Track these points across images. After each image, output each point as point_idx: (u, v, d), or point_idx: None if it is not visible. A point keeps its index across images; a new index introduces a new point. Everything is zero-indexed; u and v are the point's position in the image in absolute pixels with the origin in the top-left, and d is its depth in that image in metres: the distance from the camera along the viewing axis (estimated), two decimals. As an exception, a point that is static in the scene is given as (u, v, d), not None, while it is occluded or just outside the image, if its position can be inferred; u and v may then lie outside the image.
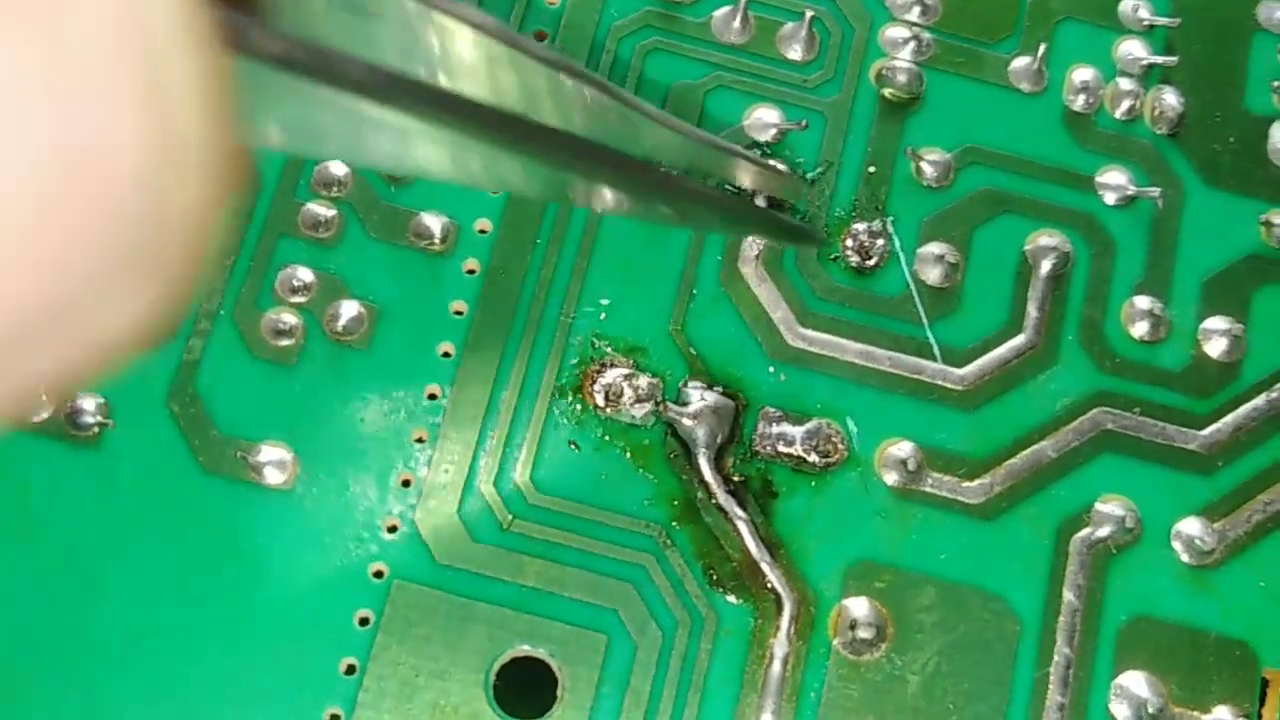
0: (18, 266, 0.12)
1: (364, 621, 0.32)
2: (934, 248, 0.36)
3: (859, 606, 0.33)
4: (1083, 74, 0.38)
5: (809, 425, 0.34)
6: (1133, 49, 0.38)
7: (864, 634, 0.32)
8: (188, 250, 0.13)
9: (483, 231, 0.35)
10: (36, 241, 0.12)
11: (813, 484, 0.34)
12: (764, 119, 0.36)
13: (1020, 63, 0.37)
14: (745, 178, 0.32)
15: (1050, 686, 0.32)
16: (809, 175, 0.36)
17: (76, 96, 0.12)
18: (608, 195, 0.25)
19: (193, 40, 0.13)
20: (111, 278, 0.13)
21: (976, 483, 0.34)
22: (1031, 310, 0.35)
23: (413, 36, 0.21)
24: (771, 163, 0.34)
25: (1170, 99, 0.37)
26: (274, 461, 0.33)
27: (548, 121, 0.23)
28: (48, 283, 0.13)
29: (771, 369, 0.34)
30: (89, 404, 0.33)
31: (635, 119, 0.26)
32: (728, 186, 0.33)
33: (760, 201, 0.35)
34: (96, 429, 0.33)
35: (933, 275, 0.35)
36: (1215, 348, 0.35)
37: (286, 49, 0.16)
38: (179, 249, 0.13)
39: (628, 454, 0.33)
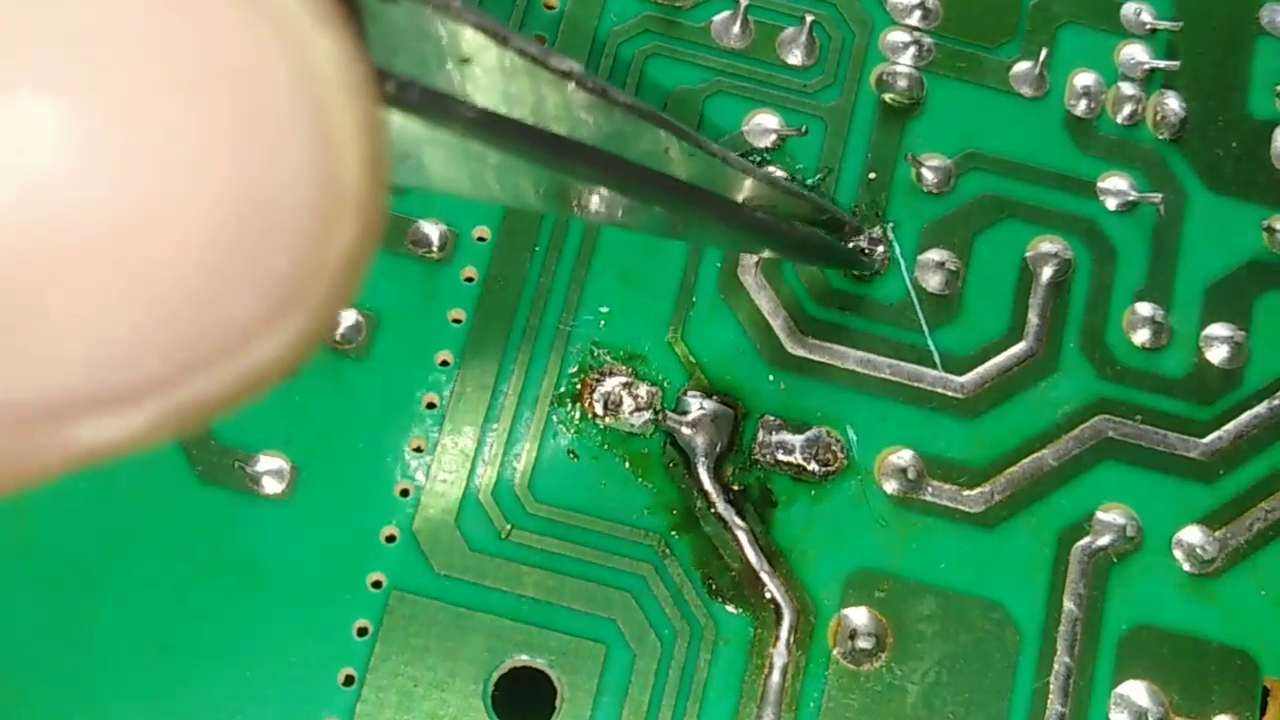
0: (187, 299, 0.14)
1: (362, 631, 0.32)
2: (934, 254, 0.35)
3: (859, 616, 0.33)
4: (1084, 78, 0.37)
5: (809, 434, 0.34)
6: (1135, 53, 0.38)
7: (864, 644, 0.32)
8: (337, 289, 0.15)
9: (481, 239, 0.35)
10: (207, 276, 0.14)
11: (812, 493, 0.34)
12: (764, 124, 0.36)
13: (1021, 67, 0.37)
14: (802, 211, 0.32)
15: (1051, 696, 0.32)
16: (809, 181, 0.36)
17: (260, 146, 0.14)
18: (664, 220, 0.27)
19: (354, 91, 0.14)
20: (267, 313, 0.14)
21: (976, 491, 0.34)
22: (1032, 317, 0.35)
23: (509, 83, 0.22)
24: (824, 202, 0.34)
25: (1172, 104, 0.37)
26: (272, 471, 0.32)
27: (634, 160, 0.25)
28: (213, 315, 0.14)
29: (771, 377, 0.34)
30: (86, 414, 0.32)
31: (704, 158, 0.27)
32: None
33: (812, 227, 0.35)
34: (94, 439, 0.32)
35: (933, 282, 0.35)
36: (1217, 355, 0.35)
37: (414, 95, 0.18)
38: (332, 288, 0.14)
39: (626, 463, 0.33)
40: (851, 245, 0.35)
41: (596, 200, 0.25)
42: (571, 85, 0.22)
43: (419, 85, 0.18)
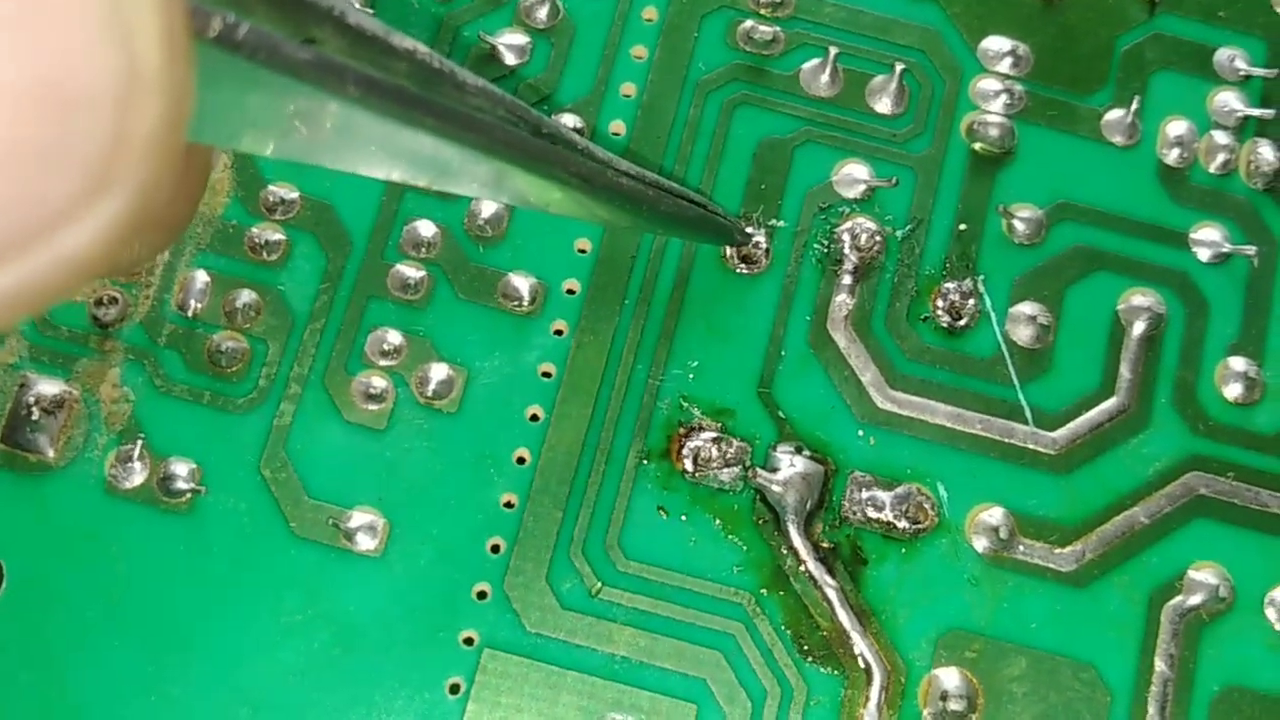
0: None
1: (455, 689, 0.32)
2: (1026, 307, 0.35)
3: (949, 677, 0.33)
4: (1177, 127, 0.37)
5: (899, 490, 0.34)
6: (1228, 101, 0.37)
7: (955, 705, 0.32)
8: (148, 171, 0.14)
9: (571, 292, 0.35)
10: (13, 159, 0.14)
11: (903, 551, 0.33)
12: (853, 175, 0.36)
13: (1113, 115, 0.37)
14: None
15: (1142, 758, 0.32)
16: (899, 233, 0.35)
17: (42, 23, 0.13)
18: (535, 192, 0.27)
19: None
20: (77, 197, 0.14)
21: (1068, 549, 0.34)
22: (1124, 372, 0.35)
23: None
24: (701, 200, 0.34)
25: (1266, 153, 0.37)
26: (365, 527, 0.33)
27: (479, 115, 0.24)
28: (16, 201, 0.14)
29: (861, 432, 0.34)
30: (182, 470, 0.33)
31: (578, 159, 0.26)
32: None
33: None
34: (189, 495, 0.33)
35: (1024, 336, 0.35)
36: (1311, 410, 0.35)
37: (243, 33, 0.17)
38: (140, 169, 0.14)
39: (716, 520, 0.33)
40: (725, 218, 0.34)
41: (443, 162, 0.24)
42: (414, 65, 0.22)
43: (248, 24, 0.17)
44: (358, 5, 0.20)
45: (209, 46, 0.17)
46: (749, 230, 0.35)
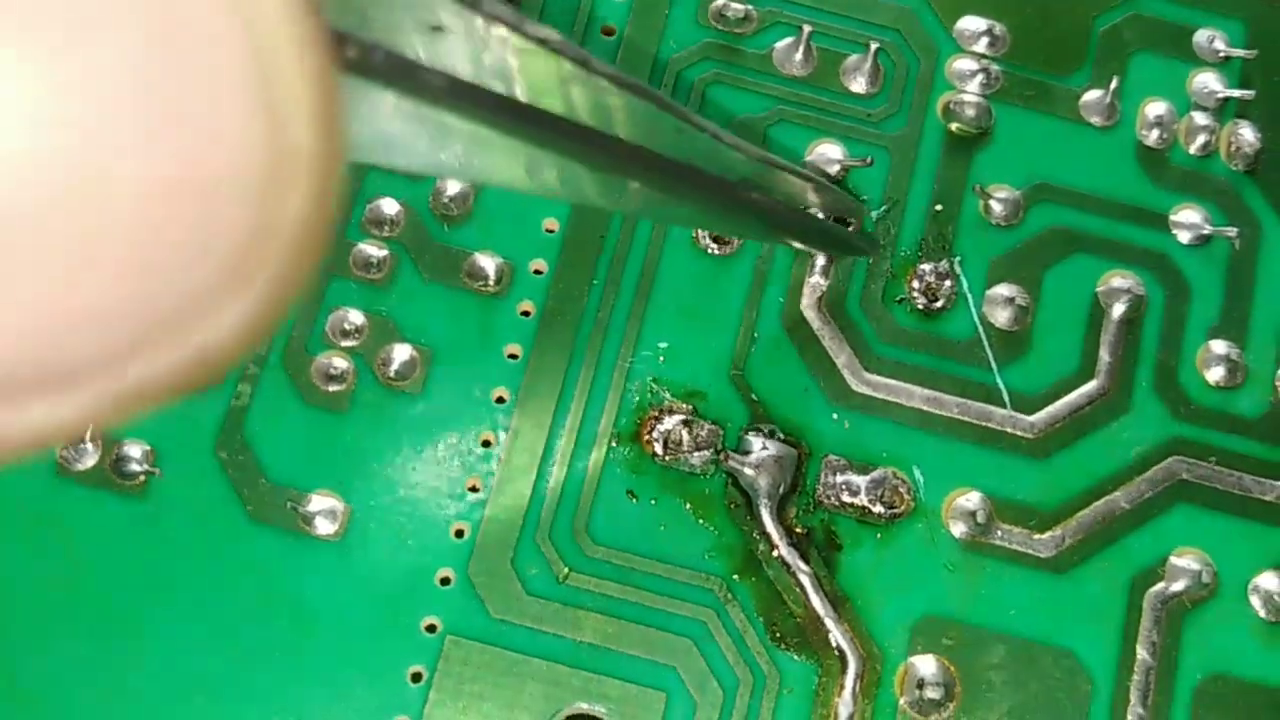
0: (128, 272, 0.13)
1: (416, 677, 0.31)
2: (1003, 289, 0.34)
3: (926, 664, 0.32)
4: (1156, 108, 0.36)
5: (874, 474, 0.33)
6: (1208, 82, 0.37)
7: (931, 693, 0.31)
8: (293, 260, 0.13)
9: (538, 272, 0.34)
10: (148, 247, 0.13)
11: (878, 536, 0.33)
12: (827, 154, 0.35)
13: (1092, 96, 0.36)
14: (802, 193, 0.31)
15: (1123, 748, 0.31)
16: (874, 214, 0.35)
17: (188, 107, 0.13)
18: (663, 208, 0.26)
19: (303, 42, 0.13)
20: (217, 285, 0.13)
21: (1047, 535, 0.33)
22: (1104, 355, 0.34)
23: (484, 52, 0.21)
24: (826, 183, 0.33)
25: (1247, 134, 0.36)
26: (325, 511, 0.32)
27: (619, 134, 0.23)
28: (155, 295, 0.13)
29: (835, 415, 0.33)
30: (135, 451, 0.32)
31: (695, 134, 0.26)
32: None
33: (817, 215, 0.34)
34: (143, 478, 0.32)
35: (1002, 318, 0.34)
36: (1294, 394, 0.34)
37: (378, 60, 0.17)
38: (285, 258, 0.13)
39: (687, 504, 0.33)
40: (852, 228, 0.34)
41: (581, 176, 0.24)
42: (550, 54, 0.21)
43: (383, 49, 0.17)
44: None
45: (344, 74, 0.16)
46: (877, 240, 0.34)
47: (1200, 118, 0.36)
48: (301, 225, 0.13)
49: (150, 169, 0.13)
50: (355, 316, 0.33)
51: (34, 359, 0.13)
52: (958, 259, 0.35)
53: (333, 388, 0.33)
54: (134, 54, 0.12)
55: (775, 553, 0.32)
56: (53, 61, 0.12)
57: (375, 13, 0.18)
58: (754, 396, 0.33)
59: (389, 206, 0.34)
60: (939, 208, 0.35)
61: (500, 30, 0.20)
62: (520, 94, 0.22)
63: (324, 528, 0.32)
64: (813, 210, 0.32)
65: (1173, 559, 0.33)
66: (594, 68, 0.22)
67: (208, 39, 0.13)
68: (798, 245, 0.33)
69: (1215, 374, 0.34)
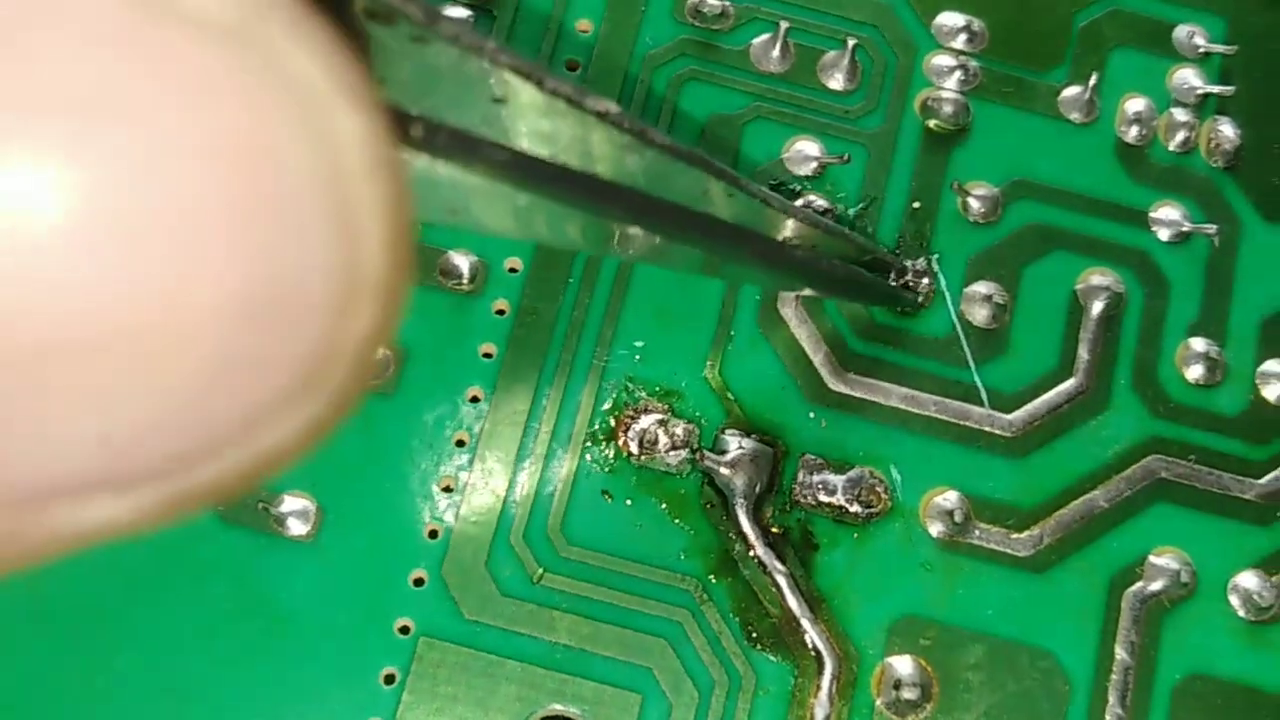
0: (200, 387, 0.13)
1: (389, 679, 0.31)
2: (981, 287, 0.34)
3: (903, 665, 0.31)
4: (1135, 104, 0.36)
5: (851, 474, 0.33)
6: (1188, 78, 0.36)
7: (908, 694, 0.31)
8: (355, 375, 0.14)
9: (513, 271, 0.34)
10: (221, 365, 0.13)
11: (855, 536, 0.32)
12: (804, 152, 0.35)
13: (1071, 92, 0.36)
14: (841, 249, 0.32)
15: (1102, 748, 0.31)
16: (851, 211, 0.35)
17: (277, 227, 0.13)
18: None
19: (378, 170, 0.13)
20: (284, 400, 0.14)
21: (1025, 534, 0.33)
22: (1082, 353, 0.34)
23: (545, 123, 0.21)
24: (863, 239, 0.33)
25: (1227, 130, 0.36)
26: (296, 512, 0.31)
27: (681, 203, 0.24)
28: (225, 406, 0.13)
29: (812, 414, 0.33)
30: (105, 452, 0.31)
31: (757, 206, 0.27)
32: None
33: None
34: (113, 478, 0.31)
35: (980, 316, 0.34)
36: (1274, 391, 0.34)
37: (442, 140, 0.17)
38: (349, 374, 0.14)
39: (663, 504, 0.32)
40: (895, 282, 0.34)
41: (636, 239, 0.25)
42: (608, 125, 0.22)
43: (447, 128, 0.17)
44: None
45: (409, 151, 0.17)
46: (919, 299, 0.34)
47: (1180, 114, 0.36)
48: (366, 344, 0.14)
49: (227, 291, 0.13)
50: (328, 315, 0.33)
51: (98, 465, 0.13)
52: (935, 256, 0.34)
53: (305, 387, 0.32)
54: (218, 181, 0.13)
55: (752, 553, 0.32)
56: (138, 185, 0.13)
57: (441, 86, 0.18)
58: (730, 395, 0.33)
59: (362, 204, 0.34)
60: (917, 205, 0.35)
61: (560, 104, 0.20)
62: (576, 164, 0.22)
63: (296, 528, 0.31)
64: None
65: (1151, 558, 0.33)
66: (651, 139, 0.22)
67: (289, 165, 0.13)
68: (845, 298, 0.34)
69: (1194, 372, 0.34)
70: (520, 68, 0.19)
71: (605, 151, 0.22)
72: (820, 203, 0.35)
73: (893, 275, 0.34)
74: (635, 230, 0.24)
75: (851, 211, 0.35)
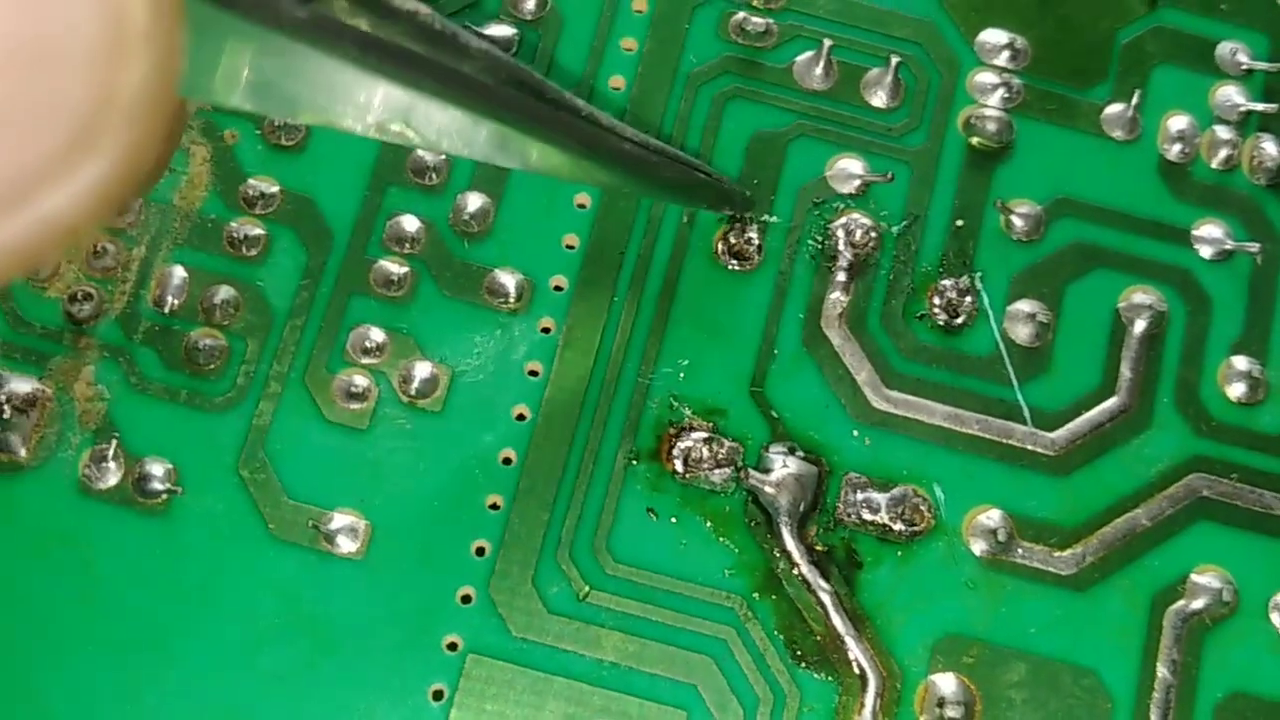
0: None
1: (438, 695, 0.31)
2: (1024, 305, 0.34)
3: (946, 683, 0.32)
4: (1178, 121, 0.36)
5: (894, 492, 0.33)
6: (1230, 95, 0.36)
7: (952, 712, 0.31)
8: (137, 131, 0.14)
9: (558, 289, 0.34)
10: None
11: (898, 554, 0.33)
12: (848, 170, 0.35)
13: (1114, 110, 0.36)
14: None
15: (1144, 766, 0.31)
16: (894, 229, 0.35)
17: None
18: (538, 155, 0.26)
19: None
20: (60, 157, 0.14)
21: (1068, 552, 0.33)
22: (1125, 371, 0.34)
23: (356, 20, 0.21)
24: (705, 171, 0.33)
25: (1270, 148, 0.36)
26: (346, 529, 0.32)
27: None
28: (8, 158, 0.14)
29: (855, 432, 0.33)
30: (157, 470, 0.32)
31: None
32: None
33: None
34: (165, 496, 0.32)
35: (1023, 334, 0.34)
36: (1316, 410, 0.34)
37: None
38: (128, 129, 0.14)
39: (707, 522, 0.33)
40: (726, 185, 0.34)
41: (439, 122, 0.24)
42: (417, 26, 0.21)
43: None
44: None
45: (208, 3, 0.16)
46: (749, 196, 0.34)
47: (1222, 131, 0.36)
48: (142, 98, 0.14)
49: None
50: (376, 334, 0.33)
51: None
52: (979, 274, 0.35)
53: (354, 405, 0.33)
54: None
55: (796, 571, 0.32)
56: None
57: None
58: (774, 413, 0.33)
59: (409, 223, 0.34)
60: (960, 223, 0.35)
61: (371, 3, 0.20)
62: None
63: (346, 546, 0.32)
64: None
65: (1193, 576, 0.33)
66: (463, 42, 0.22)
67: None
68: (673, 200, 0.34)
69: (1236, 390, 0.34)
70: None
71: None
72: (864, 220, 0.35)
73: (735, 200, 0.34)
74: (437, 107, 0.23)
75: (895, 230, 0.35)
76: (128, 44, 0.14)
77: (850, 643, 0.32)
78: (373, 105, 0.22)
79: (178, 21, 0.14)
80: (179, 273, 0.34)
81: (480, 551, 0.32)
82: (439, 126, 0.24)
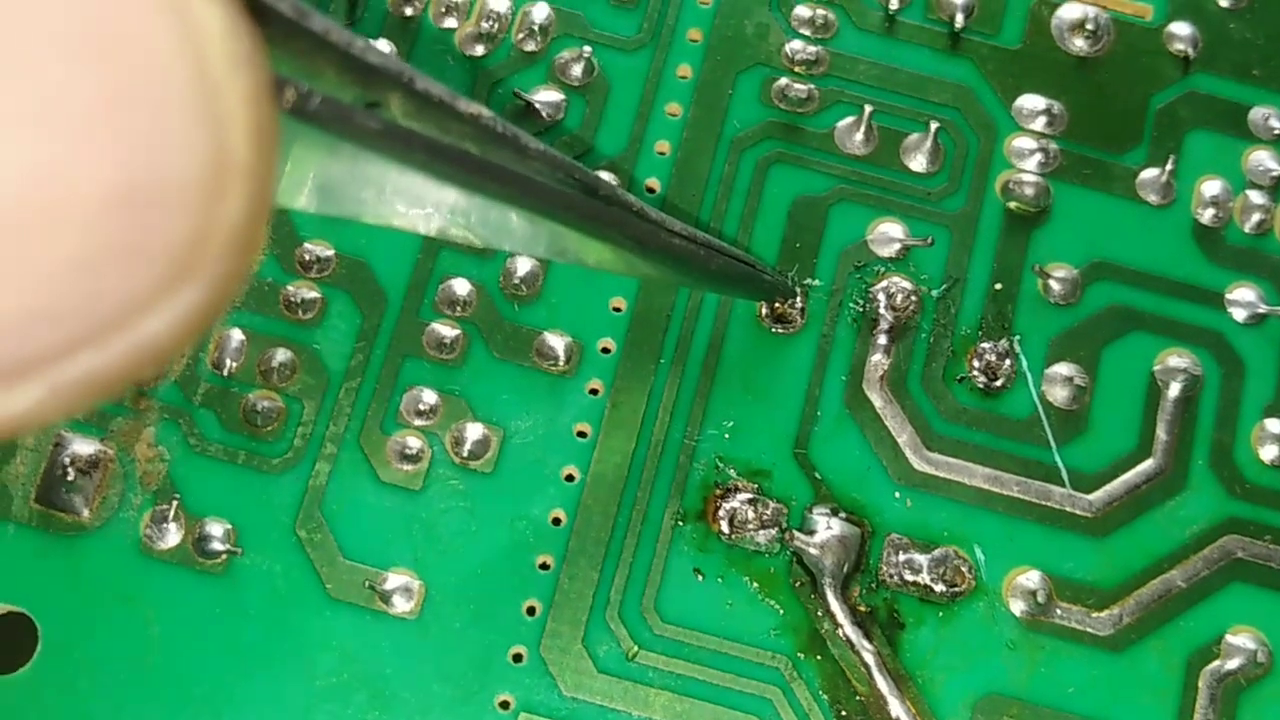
0: (78, 272, 0.14)
1: (491, 754, 0.32)
2: (1062, 368, 0.35)
3: (987, 742, 0.32)
4: (1211, 186, 0.37)
5: (936, 553, 0.34)
6: (1263, 160, 0.37)
7: (993, 771, 0.32)
8: (229, 263, 0.15)
9: (606, 351, 0.35)
10: (97, 250, 0.14)
11: (940, 614, 0.33)
12: (888, 233, 0.36)
13: (1148, 174, 0.37)
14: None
15: (1180, 826, 0.32)
16: (934, 292, 0.35)
17: (135, 116, 0.14)
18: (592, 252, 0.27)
19: (242, 60, 0.14)
20: (158, 289, 0.14)
21: (1105, 613, 0.33)
22: (1161, 433, 0.35)
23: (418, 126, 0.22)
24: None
25: (1301, 212, 0.37)
26: (400, 588, 0.32)
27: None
28: (100, 294, 0.14)
29: (897, 494, 0.34)
30: (217, 530, 0.33)
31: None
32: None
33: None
34: (225, 556, 0.33)
35: (1060, 397, 0.35)
36: (1349, 473, 0.35)
37: (315, 105, 0.17)
38: (222, 261, 0.15)
39: (752, 582, 0.33)
40: (771, 275, 0.34)
41: (498, 223, 0.25)
42: (480, 129, 0.22)
43: (320, 94, 0.17)
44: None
45: (284, 117, 0.17)
46: (792, 285, 0.35)
47: (1255, 196, 0.37)
48: (239, 230, 0.15)
49: (100, 178, 0.14)
50: (429, 396, 0.34)
51: None
52: (1017, 338, 0.35)
53: (407, 466, 0.33)
54: (86, 71, 0.13)
55: (840, 631, 0.33)
56: (10, 81, 0.13)
57: (319, 84, 0.19)
58: (817, 475, 0.34)
59: (460, 287, 0.35)
60: (998, 286, 0.36)
61: (432, 107, 0.21)
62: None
63: (401, 605, 0.32)
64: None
65: (1228, 637, 0.33)
66: (523, 144, 0.23)
67: (156, 58, 0.14)
68: (726, 292, 0.34)
69: (1270, 453, 0.35)
70: (389, 67, 0.20)
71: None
72: (905, 284, 0.35)
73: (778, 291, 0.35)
74: (511, 210, 0.24)
75: (935, 293, 0.35)
76: (229, 181, 0.14)
77: (893, 702, 0.32)
78: (436, 209, 0.23)
79: (275, 153, 0.15)
80: (237, 335, 0.34)
81: (531, 611, 0.33)
82: (499, 227, 0.25)
